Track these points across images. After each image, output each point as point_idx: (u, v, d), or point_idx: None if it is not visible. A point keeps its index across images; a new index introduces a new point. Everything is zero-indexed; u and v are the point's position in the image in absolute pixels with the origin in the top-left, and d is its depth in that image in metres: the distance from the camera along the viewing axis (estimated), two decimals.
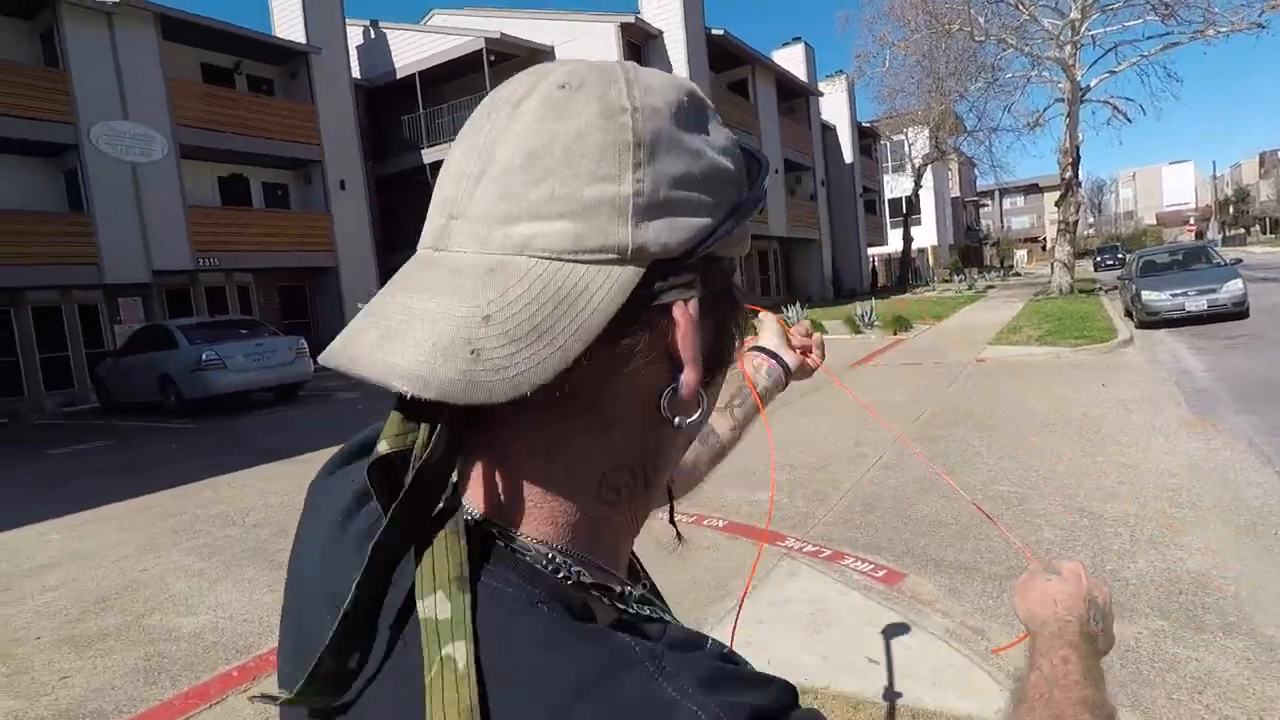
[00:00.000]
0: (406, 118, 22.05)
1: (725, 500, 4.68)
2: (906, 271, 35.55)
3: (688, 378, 0.38)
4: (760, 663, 1.77)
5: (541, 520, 0.39)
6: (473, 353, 0.33)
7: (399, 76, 22.01)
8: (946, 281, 34.57)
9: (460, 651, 0.33)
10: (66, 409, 14.44)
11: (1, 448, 10.14)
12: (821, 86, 32.40)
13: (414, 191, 20.74)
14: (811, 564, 3.72)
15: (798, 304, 18.87)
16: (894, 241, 39.82)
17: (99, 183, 15.11)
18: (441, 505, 0.36)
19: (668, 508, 0.56)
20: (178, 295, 17.24)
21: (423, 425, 0.35)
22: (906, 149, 37.69)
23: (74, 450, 9.21)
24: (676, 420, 0.39)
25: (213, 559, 4.56)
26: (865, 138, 37.20)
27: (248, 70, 19.13)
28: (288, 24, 19.60)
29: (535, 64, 0.42)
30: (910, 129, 33.85)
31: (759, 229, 25.35)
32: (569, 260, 0.35)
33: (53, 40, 14.95)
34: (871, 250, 38.58)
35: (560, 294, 0.34)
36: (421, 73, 21.31)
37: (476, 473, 0.39)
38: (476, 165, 0.36)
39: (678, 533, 0.59)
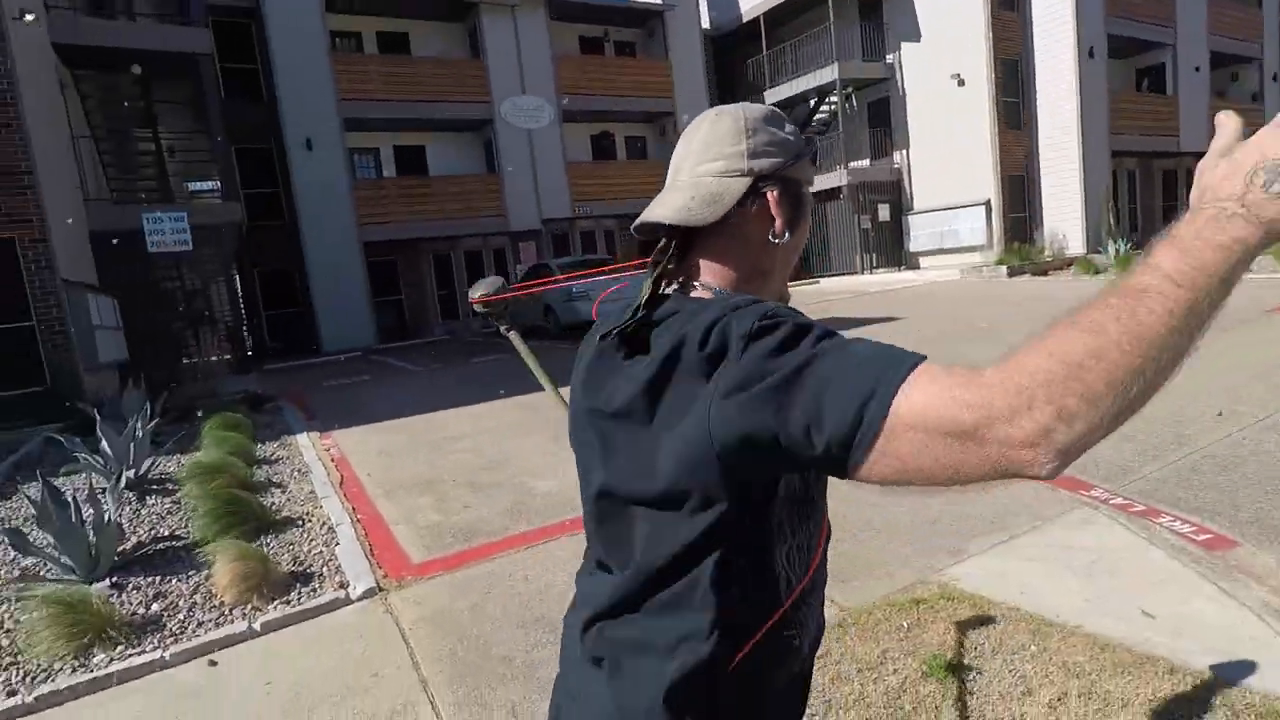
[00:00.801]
0: (751, 61, 22.58)
1: None
2: None
3: (777, 224, 0.85)
4: (1011, 590, 2.15)
5: (724, 284, 0.85)
6: (687, 209, 0.83)
7: (744, 21, 22.54)
8: None
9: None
10: (485, 330, 18.55)
11: (444, 355, 13.62)
12: None
13: None
14: (1113, 516, 3.35)
15: None
16: None
17: (506, 149, 18.75)
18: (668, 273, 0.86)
19: None
20: (560, 239, 20.62)
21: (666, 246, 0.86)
22: None
23: (487, 360, 11.99)
24: (775, 240, 0.86)
25: (563, 442, 5.75)
26: None
27: (614, 36, 21.50)
28: None
29: None
30: None
31: (1164, 145, 20.47)
32: (723, 176, 0.84)
33: (475, 36, 18.72)
34: None
35: (720, 187, 0.84)
36: (766, 13, 21.52)
37: (694, 269, 0.87)
38: (686, 148, 0.88)
39: None
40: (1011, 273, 16.42)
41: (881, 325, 10.64)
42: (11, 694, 2.70)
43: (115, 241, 11.15)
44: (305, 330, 17.22)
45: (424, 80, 17.69)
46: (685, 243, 0.85)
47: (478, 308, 1.65)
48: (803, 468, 0.68)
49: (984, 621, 2.57)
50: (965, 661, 2.37)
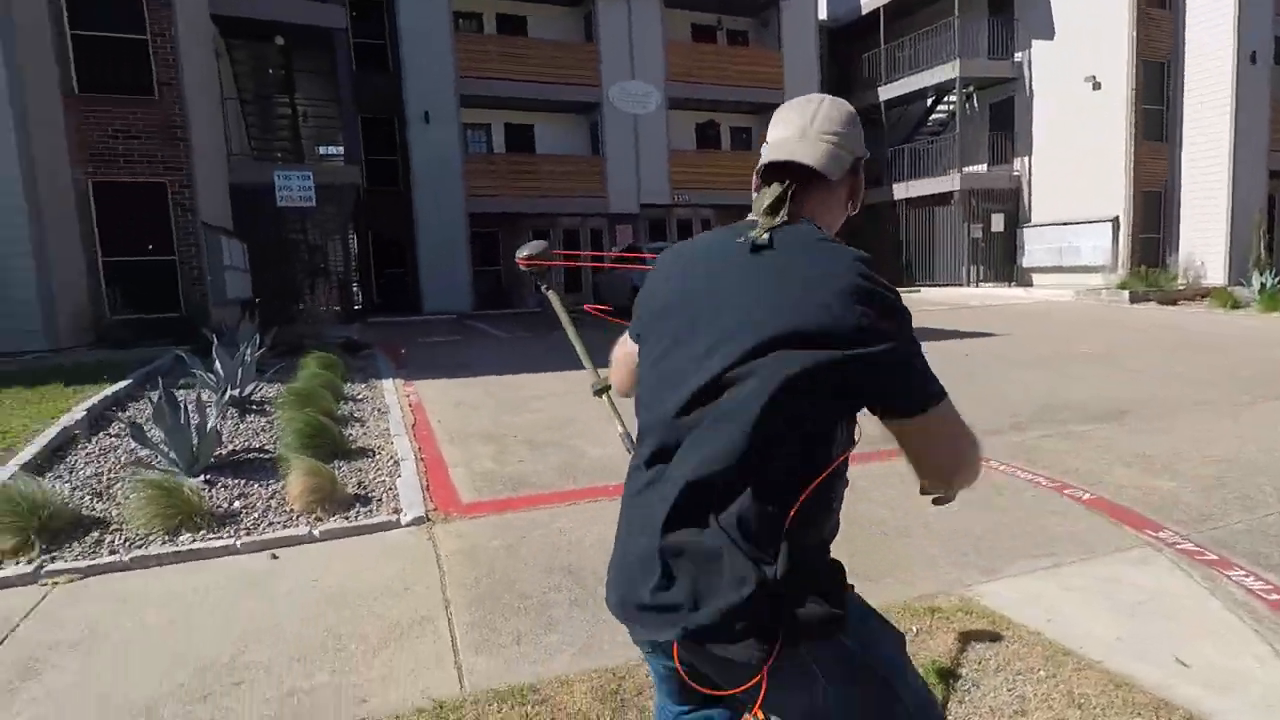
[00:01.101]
0: (867, 55, 21.92)
1: (1110, 477, 4.15)
2: None
3: (857, 193, 1.20)
4: (1038, 615, 2.81)
5: (824, 225, 1.12)
6: (826, 162, 1.09)
7: (864, 13, 21.88)
8: None
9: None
10: (573, 308, 19.05)
11: (532, 325, 14.14)
12: None
13: (867, 130, 20.72)
14: (1177, 560, 3.13)
15: None
16: None
17: (611, 132, 19.14)
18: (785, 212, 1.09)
19: None
20: (657, 224, 20.85)
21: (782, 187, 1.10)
22: None
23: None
24: (851, 207, 1.21)
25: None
26: None
27: (727, 25, 21.41)
28: None
29: None
30: None
31: None
32: (839, 149, 1.11)
33: (590, 20, 19.11)
34: None
35: (839, 154, 1.11)
36: (886, 5, 20.81)
37: (801, 208, 1.09)
38: (808, 118, 1.13)
39: None
40: (1134, 298, 15.15)
41: (982, 339, 10.20)
42: (113, 553, 3.27)
43: (252, 198, 12.23)
44: (408, 291, 18.26)
45: (538, 61, 18.26)
46: (798, 190, 1.08)
47: (523, 267, 1.80)
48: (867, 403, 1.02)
49: (996, 639, 2.49)
50: (963, 672, 2.31)
